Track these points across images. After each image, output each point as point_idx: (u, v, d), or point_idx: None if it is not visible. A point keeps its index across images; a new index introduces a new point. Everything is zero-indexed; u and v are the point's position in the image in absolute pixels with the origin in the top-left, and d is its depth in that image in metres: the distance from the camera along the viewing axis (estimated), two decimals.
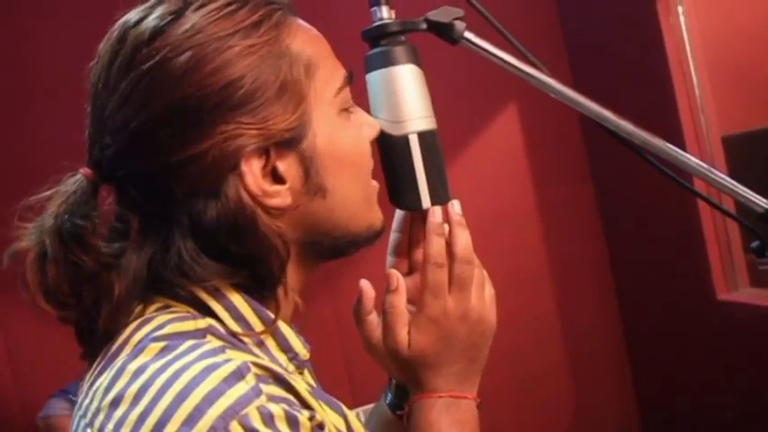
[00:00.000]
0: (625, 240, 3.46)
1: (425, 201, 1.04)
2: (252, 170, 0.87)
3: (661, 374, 3.40)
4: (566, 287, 3.53)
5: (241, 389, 0.77)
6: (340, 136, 0.94)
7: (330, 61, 0.95)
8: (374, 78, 1.05)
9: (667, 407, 3.40)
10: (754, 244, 1.23)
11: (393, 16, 1.06)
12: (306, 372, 0.99)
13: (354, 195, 0.97)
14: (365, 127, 1.00)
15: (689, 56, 2.94)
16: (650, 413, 3.53)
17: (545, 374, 3.48)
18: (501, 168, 3.48)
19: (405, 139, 1.03)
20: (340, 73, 0.96)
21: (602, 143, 3.32)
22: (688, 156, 1.16)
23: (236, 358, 0.81)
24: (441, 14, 1.07)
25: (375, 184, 1.02)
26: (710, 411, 3.07)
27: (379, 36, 1.05)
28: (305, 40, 0.93)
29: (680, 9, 2.93)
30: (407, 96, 1.03)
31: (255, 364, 0.81)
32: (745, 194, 1.18)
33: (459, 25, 1.07)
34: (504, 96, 3.44)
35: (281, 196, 0.90)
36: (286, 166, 0.90)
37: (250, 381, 0.78)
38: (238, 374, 0.78)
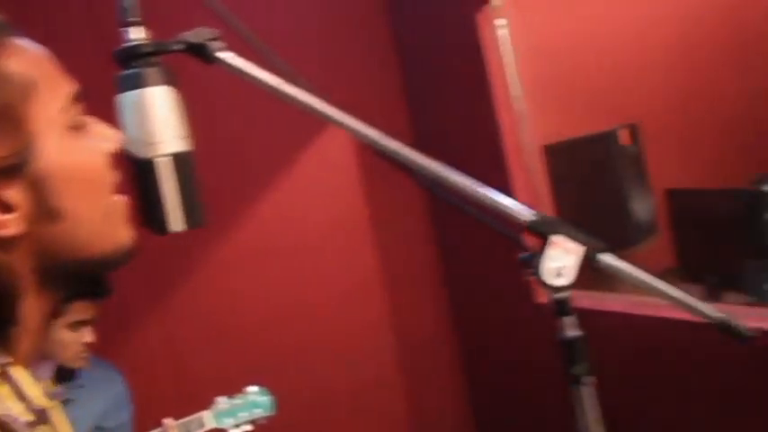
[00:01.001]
0: (456, 248, 3.53)
1: (177, 223, 1.03)
2: None
3: (493, 378, 3.48)
4: (399, 296, 3.58)
5: None
6: (69, 154, 0.90)
7: (52, 80, 0.91)
8: (125, 100, 1.03)
9: (500, 410, 3.48)
10: (522, 256, 1.26)
11: (147, 36, 1.05)
12: (52, 420, 0.94)
13: (94, 213, 0.93)
14: (101, 141, 0.95)
15: (510, 67, 3.03)
16: (484, 417, 3.61)
17: (379, 384, 3.51)
18: (333, 180, 3.49)
19: (156, 161, 1.01)
20: (64, 91, 0.92)
21: (433, 151, 3.39)
22: (453, 173, 1.19)
23: None
24: (195, 35, 1.07)
25: (120, 198, 0.97)
26: (539, 412, 3.16)
27: (130, 57, 1.04)
28: (21, 60, 0.88)
29: (501, 21, 3.01)
30: (159, 118, 1.02)
31: None
32: (509, 208, 1.21)
33: (214, 45, 1.07)
34: (335, 102, 3.44)
35: (11, 225, 0.85)
36: (13, 193, 0.85)
37: None
38: None
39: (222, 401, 2.59)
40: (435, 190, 1.22)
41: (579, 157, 3.20)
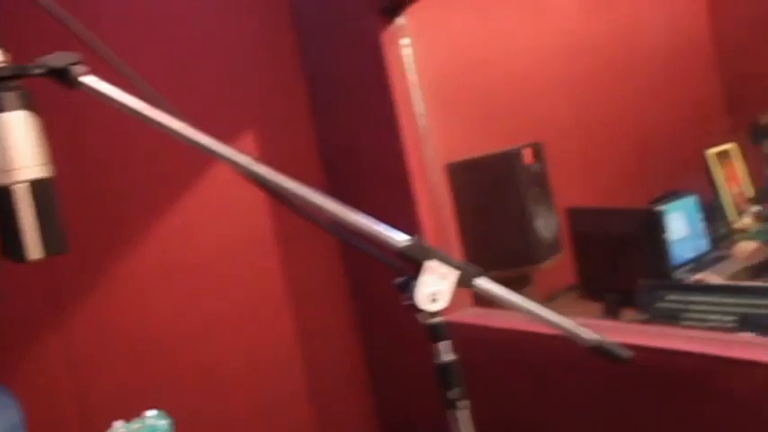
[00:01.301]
0: (363, 263, 3.52)
1: (36, 251, 1.01)
2: None
3: (401, 396, 3.48)
4: (306, 313, 3.56)
5: None
6: None
7: None
8: None
9: (410, 426, 3.48)
10: (399, 280, 1.27)
11: (5, 60, 1.02)
12: None
13: None
14: None
15: (414, 86, 3.04)
16: None
17: (286, 401, 3.49)
18: (239, 195, 3.45)
19: (13, 189, 0.99)
20: None
21: (340, 168, 3.40)
22: (325, 200, 1.19)
23: None
24: (56, 59, 1.05)
25: None
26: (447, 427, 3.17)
27: None
28: None
29: (405, 41, 3.03)
30: (16, 144, 1.00)
31: None
32: (382, 234, 1.22)
33: (77, 70, 1.05)
34: (241, 121, 3.43)
35: None
36: None
37: None
38: None
39: (119, 426, 2.53)
40: (308, 216, 1.22)
41: (483, 175, 3.22)
